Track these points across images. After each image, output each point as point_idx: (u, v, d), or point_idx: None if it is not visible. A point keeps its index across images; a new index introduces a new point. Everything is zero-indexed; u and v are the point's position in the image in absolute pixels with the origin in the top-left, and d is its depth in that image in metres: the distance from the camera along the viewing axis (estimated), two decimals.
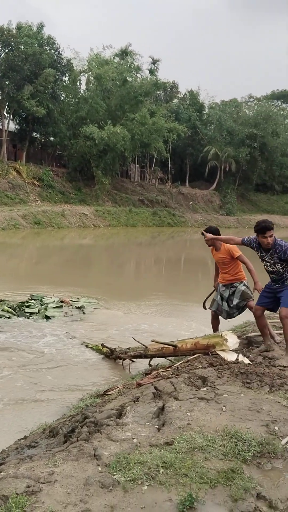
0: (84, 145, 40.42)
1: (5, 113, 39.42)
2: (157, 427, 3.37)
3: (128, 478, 2.71)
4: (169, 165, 55.69)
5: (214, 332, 6.16)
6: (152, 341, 5.73)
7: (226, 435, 3.17)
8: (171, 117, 47.79)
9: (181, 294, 13.03)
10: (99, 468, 2.83)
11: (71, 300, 10.47)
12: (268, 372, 4.30)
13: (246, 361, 4.68)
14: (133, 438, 3.19)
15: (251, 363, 4.61)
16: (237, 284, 5.97)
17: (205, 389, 3.94)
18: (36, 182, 38.36)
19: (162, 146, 45.78)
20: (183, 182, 56.96)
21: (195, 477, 2.73)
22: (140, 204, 46.29)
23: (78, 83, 44.74)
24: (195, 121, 55.32)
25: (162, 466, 2.81)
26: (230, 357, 4.80)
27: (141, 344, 5.95)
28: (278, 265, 4.98)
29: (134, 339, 6.15)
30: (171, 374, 4.33)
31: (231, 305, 5.96)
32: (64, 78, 43.61)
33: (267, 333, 5.35)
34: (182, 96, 61.92)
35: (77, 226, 35.26)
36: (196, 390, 3.92)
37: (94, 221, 37.64)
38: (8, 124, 39.64)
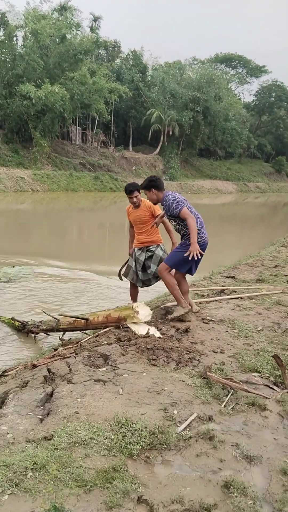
0: (20, 105, 38.27)
1: None
2: (40, 417, 2.94)
3: None
4: (112, 128, 54.14)
5: (132, 302, 5.77)
6: (59, 314, 5.27)
7: (116, 425, 2.79)
8: (113, 77, 46.13)
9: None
10: None
11: (4, 269, 9.82)
12: (177, 347, 3.95)
13: (157, 334, 4.32)
14: (8, 433, 2.74)
15: (161, 336, 4.26)
16: (154, 248, 5.56)
17: (104, 369, 3.54)
18: None
19: (104, 107, 44.22)
20: (126, 146, 55.65)
21: (68, 480, 2.32)
22: (82, 168, 44.79)
23: (14, 39, 42.04)
24: (138, 82, 53.71)
25: (31, 468, 2.38)
26: (142, 330, 4.43)
27: (53, 317, 5.46)
28: (173, 222, 4.91)
29: (44, 312, 5.65)
30: (71, 353, 3.90)
31: (148, 271, 5.55)
32: None
33: (180, 299, 5.03)
34: (125, 56, 59.86)
35: (13, 191, 33.67)
36: (94, 370, 3.51)
37: (32, 185, 36.08)
38: None
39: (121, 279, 6.00)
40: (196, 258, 4.47)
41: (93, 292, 8.57)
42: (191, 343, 4.19)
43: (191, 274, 5.11)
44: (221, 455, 2.64)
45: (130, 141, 56.75)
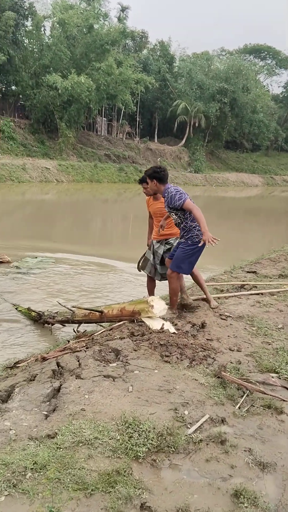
0: (47, 95, 38.36)
1: None
2: (46, 413, 2.83)
3: None
4: (138, 119, 53.82)
5: (149, 296, 5.63)
6: (73, 306, 5.16)
7: (122, 424, 2.66)
8: (139, 68, 45.75)
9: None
10: None
11: (26, 258, 9.85)
12: (191, 344, 3.80)
13: (172, 329, 4.18)
14: (11, 429, 2.64)
15: (176, 332, 4.11)
16: (173, 241, 5.40)
17: (115, 364, 3.42)
18: None
19: (130, 98, 43.92)
20: (152, 137, 55.25)
21: (68, 483, 2.21)
22: (106, 159, 44.72)
23: (42, 29, 42.11)
24: (165, 73, 53.18)
25: (31, 468, 2.28)
26: (156, 324, 4.29)
27: (68, 308, 5.37)
28: (173, 215, 4.81)
29: (60, 303, 5.56)
30: (83, 347, 3.78)
31: (166, 264, 5.41)
32: (26, 23, 40.89)
33: (184, 290, 4.97)
34: (152, 47, 59.25)
35: (38, 181, 33.83)
36: (104, 366, 3.39)
37: (57, 176, 36.19)
38: None
39: (139, 270, 5.87)
40: (213, 244, 4.30)
41: (114, 280, 8.54)
42: (207, 340, 4.03)
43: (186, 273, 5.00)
44: (233, 461, 2.49)
45: (156, 132, 56.34)
